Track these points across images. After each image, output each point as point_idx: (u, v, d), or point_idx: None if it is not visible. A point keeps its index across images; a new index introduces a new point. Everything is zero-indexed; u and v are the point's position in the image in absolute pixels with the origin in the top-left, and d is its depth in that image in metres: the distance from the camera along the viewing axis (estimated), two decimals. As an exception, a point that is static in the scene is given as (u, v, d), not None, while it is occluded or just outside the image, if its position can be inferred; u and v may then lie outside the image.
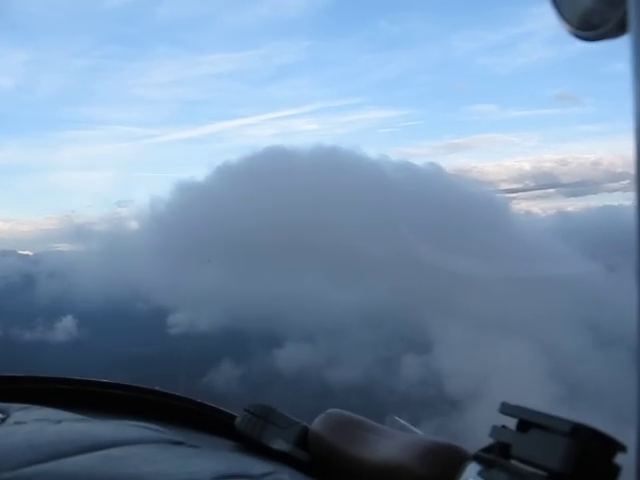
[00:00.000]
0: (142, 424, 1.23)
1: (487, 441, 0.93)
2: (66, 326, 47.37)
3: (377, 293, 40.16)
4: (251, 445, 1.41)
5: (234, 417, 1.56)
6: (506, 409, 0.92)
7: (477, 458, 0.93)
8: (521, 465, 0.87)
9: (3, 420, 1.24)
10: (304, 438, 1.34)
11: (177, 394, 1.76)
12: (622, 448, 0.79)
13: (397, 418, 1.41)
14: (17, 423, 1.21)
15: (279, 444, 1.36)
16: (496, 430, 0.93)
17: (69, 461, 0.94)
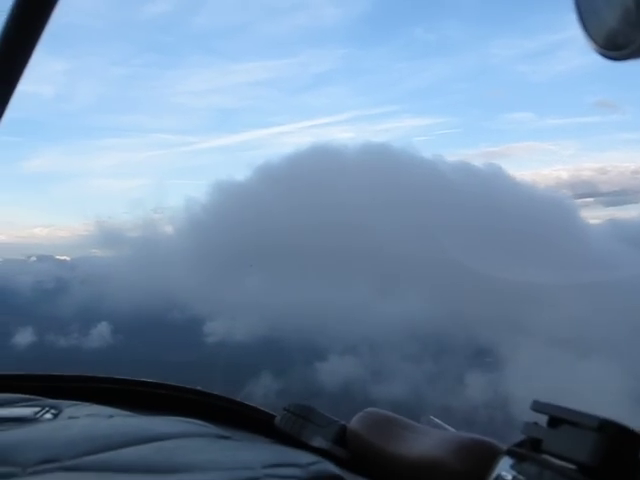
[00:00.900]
0: (188, 420, 1.29)
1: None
2: (101, 332, 47.48)
3: (427, 304, 38.25)
4: (291, 443, 1.43)
5: (273, 417, 1.59)
6: (537, 406, 0.98)
7: (510, 452, 1.00)
8: (552, 459, 0.92)
9: (56, 415, 1.33)
10: (343, 436, 1.39)
11: (218, 394, 1.81)
12: None
13: (432, 417, 1.41)
14: (70, 418, 1.30)
15: (318, 442, 1.40)
16: (527, 426, 0.99)
17: (124, 452, 1.02)
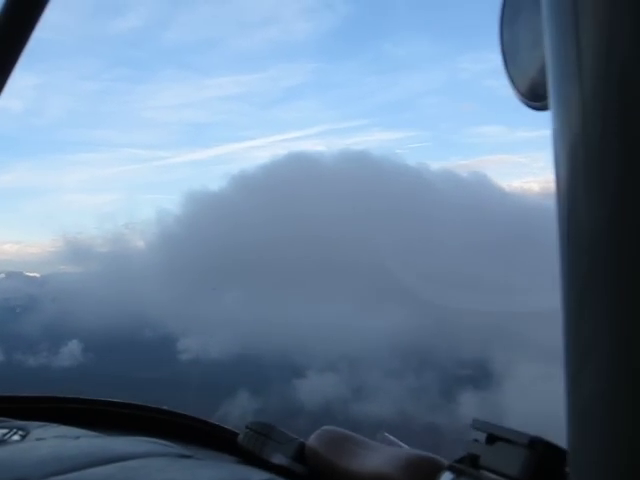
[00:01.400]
0: (152, 439, 1.37)
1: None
2: (71, 350, 46.00)
3: (409, 319, 37.34)
4: (252, 460, 1.49)
5: (236, 434, 1.65)
6: (477, 424, 1.06)
7: (450, 468, 1.07)
8: (488, 474, 1.01)
9: (24, 437, 1.40)
10: (301, 453, 1.44)
11: (182, 412, 1.87)
12: None
13: (387, 434, 1.47)
14: (38, 439, 1.37)
15: (278, 458, 1.45)
16: (468, 443, 1.06)
17: (89, 472, 1.08)
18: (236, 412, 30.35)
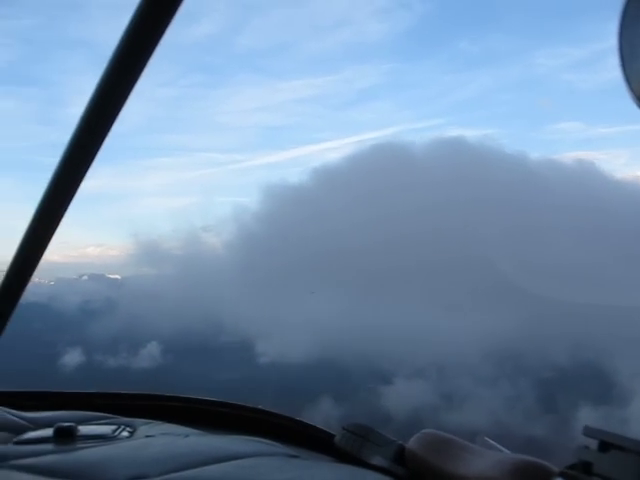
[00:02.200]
0: (257, 439, 1.42)
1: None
2: (150, 352, 46.75)
3: (509, 317, 34.57)
4: (351, 461, 1.49)
5: (332, 436, 1.66)
6: (589, 432, 1.04)
7: (562, 474, 1.07)
8: None
9: (131, 433, 1.47)
10: (401, 455, 1.42)
11: (278, 412, 1.90)
12: None
13: (487, 438, 1.41)
14: (147, 437, 1.44)
15: (378, 460, 1.44)
16: (579, 450, 1.05)
17: (207, 469, 1.12)
18: (318, 418, 28.92)
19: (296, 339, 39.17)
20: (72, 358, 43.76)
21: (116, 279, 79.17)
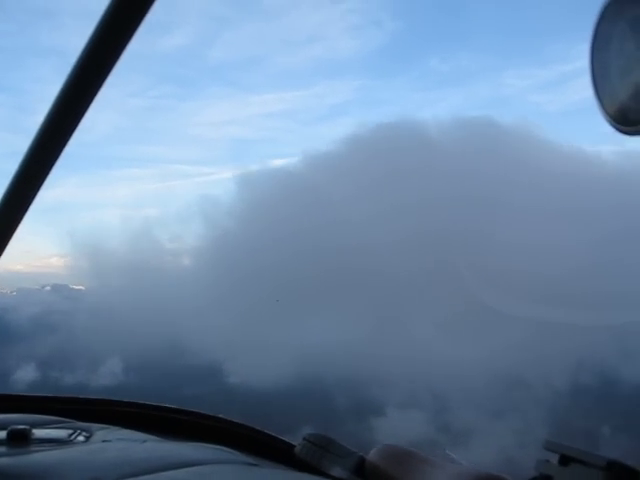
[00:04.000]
0: (216, 447, 1.39)
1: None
2: (111, 369, 43.00)
3: (512, 343, 30.38)
4: (310, 472, 1.45)
5: (292, 445, 1.66)
6: (550, 446, 1.05)
7: None
8: None
9: (88, 438, 1.43)
10: (361, 467, 1.39)
11: (238, 421, 1.89)
12: None
13: (448, 452, 1.72)
14: (104, 441, 1.39)
15: (337, 472, 1.39)
16: (539, 464, 1.05)
17: (163, 475, 1.09)
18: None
19: (272, 361, 34.57)
20: (25, 374, 40.23)
21: (80, 290, 75.47)
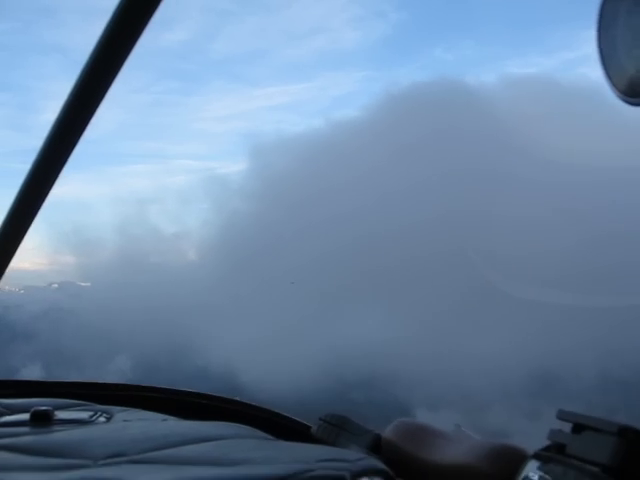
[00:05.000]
0: (235, 424, 1.38)
1: None
2: (119, 367, 42.29)
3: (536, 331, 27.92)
4: None
5: (308, 427, 1.70)
6: (563, 415, 1.08)
7: (536, 456, 1.10)
8: (576, 462, 1.03)
9: (108, 419, 1.44)
10: (377, 444, 1.44)
11: (255, 404, 1.93)
12: None
13: (460, 426, 1.45)
14: (125, 421, 1.41)
15: (354, 449, 1.43)
16: (553, 432, 1.09)
17: (185, 449, 1.11)
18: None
19: (289, 360, 32.13)
20: (30, 372, 38.15)
21: (87, 287, 76.29)
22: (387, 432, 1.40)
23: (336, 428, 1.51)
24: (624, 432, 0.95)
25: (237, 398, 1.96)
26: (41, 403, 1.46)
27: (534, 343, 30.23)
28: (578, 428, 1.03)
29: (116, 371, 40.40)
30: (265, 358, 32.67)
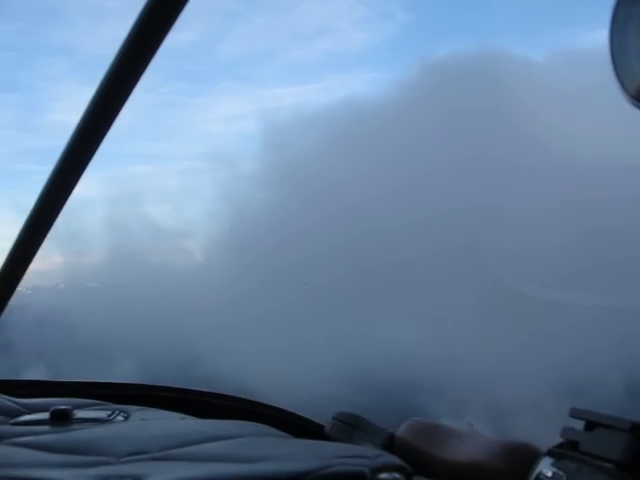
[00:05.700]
0: (252, 423, 1.39)
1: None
2: (125, 369, 40.21)
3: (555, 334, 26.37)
4: None
5: (321, 426, 1.71)
6: (575, 413, 1.09)
7: (550, 453, 1.11)
8: (589, 459, 1.04)
9: (126, 418, 1.45)
10: (391, 443, 1.44)
11: (267, 403, 1.98)
12: None
13: (472, 424, 2.15)
14: (143, 420, 1.42)
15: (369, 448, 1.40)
16: (566, 430, 1.11)
17: (205, 446, 1.12)
18: None
19: (301, 367, 30.58)
20: (33, 374, 37.11)
21: (94, 287, 74.99)
22: (400, 431, 1.40)
23: (350, 427, 1.48)
24: (636, 429, 0.95)
25: (251, 398, 1.97)
26: (59, 402, 1.47)
27: (553, 346, 28.78)
28: (591, 425, 1.03)
29: (122, 373, 38.01)
30: (278, 368, 31.34)
